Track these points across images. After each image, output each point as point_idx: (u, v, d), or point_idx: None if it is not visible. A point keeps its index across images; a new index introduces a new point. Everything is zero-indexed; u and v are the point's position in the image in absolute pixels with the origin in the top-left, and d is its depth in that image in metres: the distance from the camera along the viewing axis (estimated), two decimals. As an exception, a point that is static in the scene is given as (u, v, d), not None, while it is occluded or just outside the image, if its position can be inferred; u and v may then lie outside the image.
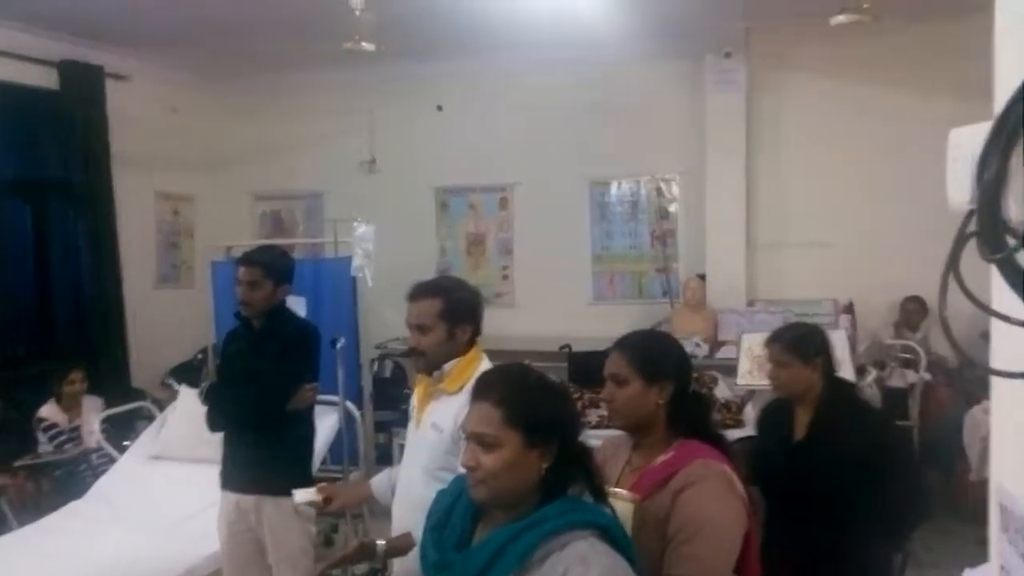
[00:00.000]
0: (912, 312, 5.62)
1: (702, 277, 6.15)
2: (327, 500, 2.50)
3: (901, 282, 5.68)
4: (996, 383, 1.01)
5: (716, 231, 6.17)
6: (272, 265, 3.05)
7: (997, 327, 0.95)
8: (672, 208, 6.61)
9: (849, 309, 5.72)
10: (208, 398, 3.03)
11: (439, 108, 6.96)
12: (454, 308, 2.28)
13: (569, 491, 1.43)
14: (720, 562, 1.73)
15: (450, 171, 6.98)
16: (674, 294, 6.42)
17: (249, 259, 3.07)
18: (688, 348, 5.16)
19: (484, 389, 1.47)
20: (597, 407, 4.01)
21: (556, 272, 6.78)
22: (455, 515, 1.48)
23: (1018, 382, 0.86)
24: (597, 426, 4.17)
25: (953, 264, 0.77)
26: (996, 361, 0.97)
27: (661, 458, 1.82)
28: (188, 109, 6.86)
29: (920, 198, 5.72)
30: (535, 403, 1.44)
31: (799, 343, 2.56)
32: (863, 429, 2.47)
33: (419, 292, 2.30)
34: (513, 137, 6.78)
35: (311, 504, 2.57)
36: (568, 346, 5.79)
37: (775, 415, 2.72)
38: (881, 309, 5.86)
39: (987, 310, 0.82)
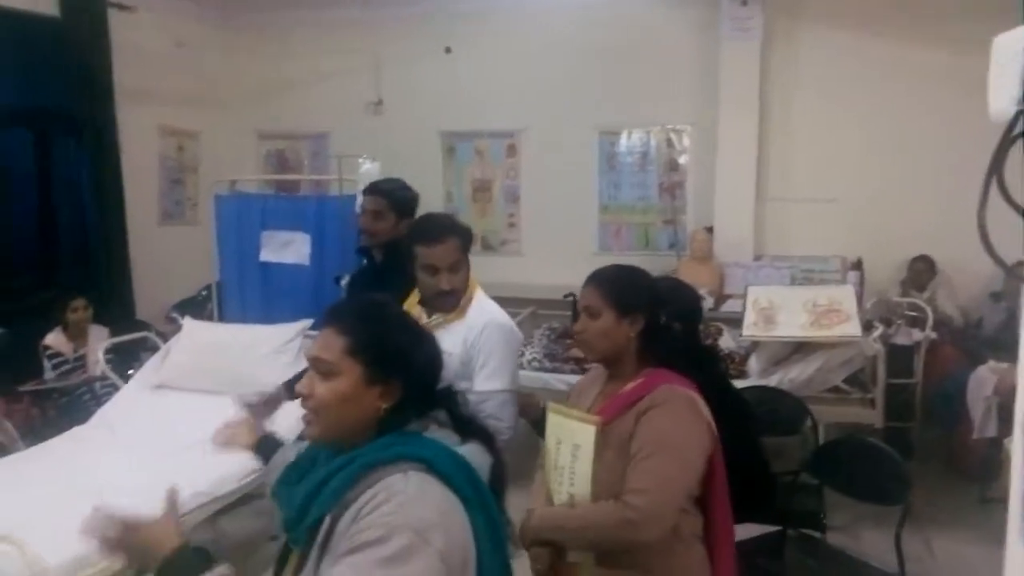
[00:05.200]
0: (920, 272, 5.59)
1: (710, 230, 6.10)
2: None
3: (910, 241, 5.65)
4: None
5: (725, 184, 6.09)
6: (397, 196, 3.07)
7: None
8: (682, 160, 6.52)
9: (858, 266, 5.69)
10: None
11: (447, 50, 6.82)
12: (467, 242, 2.39)
13: (410, 427, 1.32)
14: (679, 477, 1.77)
15: (457, 115, 6.88)
16: (680, 247, 6.38)
17: (375, 188, 3.10)
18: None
19: (333, 316, 1.36)
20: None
21: (562, 221, 6.73)
22: (320, 458, 1.37)
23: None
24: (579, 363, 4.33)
25: (997, 166, 0.73)
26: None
27: (630, 385, 1.88)
28: (194, 43, 6.74)
29: (932, 159, 5.72)
30: (383, 336, 1.33)
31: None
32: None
33: (442, 232, 2.32)
34: (522, 82, 6.67)
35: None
36: (572, 295, 5.74)
37: None
38: (889, 267, 5.82)
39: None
